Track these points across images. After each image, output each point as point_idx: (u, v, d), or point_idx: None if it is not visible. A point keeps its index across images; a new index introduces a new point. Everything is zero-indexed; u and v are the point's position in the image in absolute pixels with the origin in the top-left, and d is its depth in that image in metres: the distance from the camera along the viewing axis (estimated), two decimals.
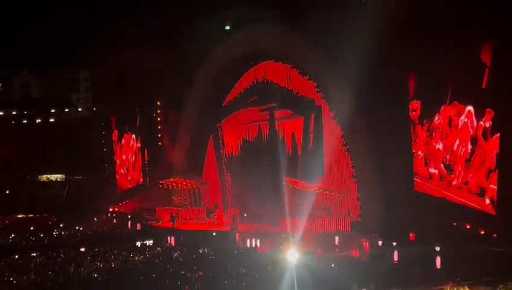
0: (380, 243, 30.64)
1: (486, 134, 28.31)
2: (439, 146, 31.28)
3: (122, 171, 61.98)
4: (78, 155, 65.01)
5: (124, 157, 61.72)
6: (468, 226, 30.16)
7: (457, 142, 30.03)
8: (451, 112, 30.36)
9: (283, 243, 30.50)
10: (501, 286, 18.18)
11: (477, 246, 27.64)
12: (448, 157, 30.70)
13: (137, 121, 58.62)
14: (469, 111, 29.26)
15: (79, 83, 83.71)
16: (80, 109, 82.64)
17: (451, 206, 30.42)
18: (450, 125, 30.47)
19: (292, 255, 17.85)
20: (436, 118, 31.30)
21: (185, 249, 34.46)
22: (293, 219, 37.82)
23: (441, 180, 31.28)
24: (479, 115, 28.61)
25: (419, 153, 32.82)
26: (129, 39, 50.13)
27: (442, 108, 30.85)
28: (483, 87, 28.27)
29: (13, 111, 79.65)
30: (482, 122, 28.50)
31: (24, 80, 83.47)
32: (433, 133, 31.63)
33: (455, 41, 29.54)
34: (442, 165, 31.14)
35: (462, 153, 29.68)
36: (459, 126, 29.86)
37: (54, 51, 71.53)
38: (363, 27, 31.61)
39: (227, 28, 45.81)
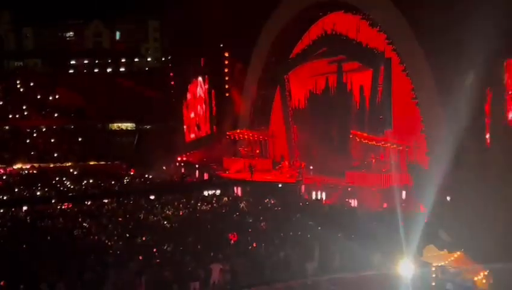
0: (448, 198, 30.20)
1: None
2: None
3: (192, 135, 62.61)
4: (147, 105, 66.17)
5: (192, 115, 62.24)
6: None
7: None
8: None
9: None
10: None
11: None
12: None
13: (202, 63, 58.91)
14: None
15: (148, 33, 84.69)
16: (149, 59, 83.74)
17: None
18: None
19: (407, 268, 15.10)
20: None
21: (251, 199, 35.00)
22: (359, 173, 37.70)
23: None
24: None
25: None
26: None
27: None
28: None
29: (85, 60, 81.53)
30: None
31: (96, 30, 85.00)
32: None
33: None
34: None
35: None
36: None
37: (124, 1, 72.23)
38: None
39: None
